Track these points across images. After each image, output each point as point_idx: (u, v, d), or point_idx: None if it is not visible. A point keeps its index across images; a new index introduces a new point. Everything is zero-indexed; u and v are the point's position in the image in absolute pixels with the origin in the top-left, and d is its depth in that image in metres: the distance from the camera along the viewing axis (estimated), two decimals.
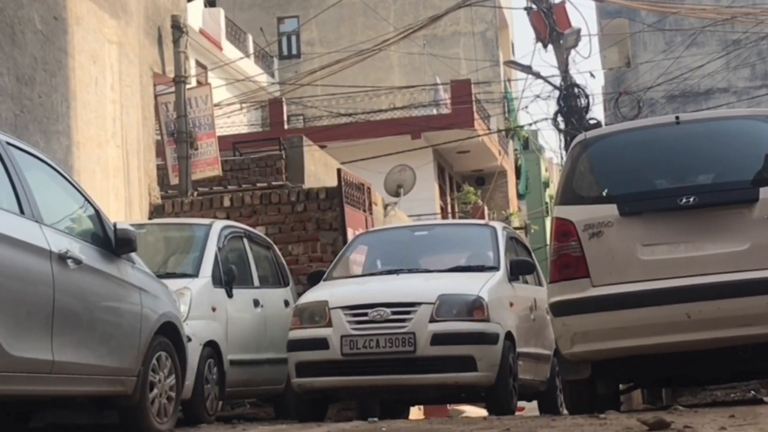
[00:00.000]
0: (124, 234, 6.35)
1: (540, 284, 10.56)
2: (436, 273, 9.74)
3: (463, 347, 8.70)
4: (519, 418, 7.88)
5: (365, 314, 8.80)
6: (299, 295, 11.01)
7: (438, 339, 8.67)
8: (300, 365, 8.99)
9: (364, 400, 10.26)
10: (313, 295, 9.39)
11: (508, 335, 9.06)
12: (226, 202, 13.20)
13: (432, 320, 8.72)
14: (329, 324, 8.85)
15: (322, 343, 8.84)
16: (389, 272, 9.77)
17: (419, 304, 8.80)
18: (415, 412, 13.98)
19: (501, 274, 9.57)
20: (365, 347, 8.72)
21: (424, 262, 10.19)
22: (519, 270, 9.86)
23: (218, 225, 9.85)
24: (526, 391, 10.02)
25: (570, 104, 20.95)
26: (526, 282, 10.22)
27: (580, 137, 7.57)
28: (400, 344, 8.67)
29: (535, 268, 10.48)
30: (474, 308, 8.84)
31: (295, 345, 9.08)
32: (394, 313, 8.75)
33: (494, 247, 9.95)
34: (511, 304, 9.45)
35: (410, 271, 9.79)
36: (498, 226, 10.55)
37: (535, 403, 10.91)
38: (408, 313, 8.76)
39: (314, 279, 10.05)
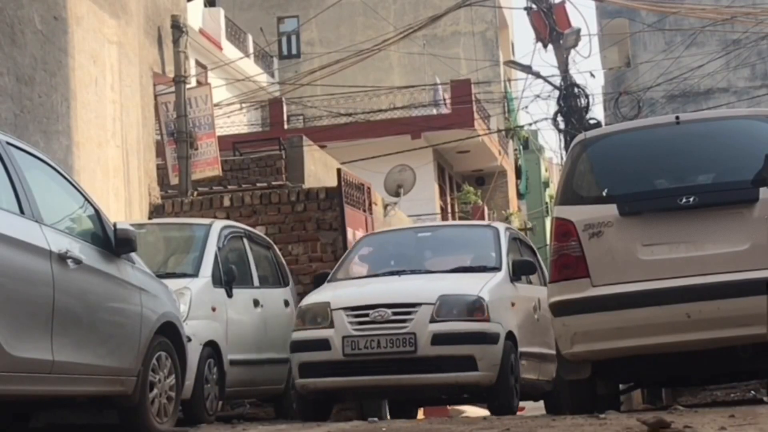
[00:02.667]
0: (124, 234, 6.35)
1: (544, 284, 10.56)
2: (437, 274, 9.77)
3: (463, 347, 8.74)
4: (519, 417, 7.88)
5: (366, 315, 8.85)
6: (300, 295, 11.03)
7: (438, 339, 8.71)
8: (303, 366, 9.04)
9: (369, 400, 10.26)
10: (315, 297, 9.45)
11: (509, 335, 9.09)
12: (226, 202, 13.20)
13: (432, 320, 8.76)
14: (331, 325, 8.90)
15: (324, 344, 8.89)
16: (391, 273, 9.82)
17: (420, 304, 8.84)
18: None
19: (503, 274, 9.61)
20: (366, 348, 8.77)
21: (428, 263, 10.22)
22: (521, 270, 9.89)
23: (218, 225, 9.86)
24: (532, 390, 10.08)
25: (570, 104, 20.93)
26: (530, 282, 10.26)
27: (580, 137, 7.57)
28: (400, 344, 8.71)
29: (537, 268, 10.49)
30: (474, 308, 8.89)
31: (298, 346, 9.14)
32: (395, 313, 8.80)
33: (496, 248, 9.99)
34: (513, 304, 9.48)
35: (413, 272, 9.83)
36: (501, 226, 10.60)
37: (540, 403, 10.93)
38: (409, 313, 8.80)
39: (319, 280, 10.11)
